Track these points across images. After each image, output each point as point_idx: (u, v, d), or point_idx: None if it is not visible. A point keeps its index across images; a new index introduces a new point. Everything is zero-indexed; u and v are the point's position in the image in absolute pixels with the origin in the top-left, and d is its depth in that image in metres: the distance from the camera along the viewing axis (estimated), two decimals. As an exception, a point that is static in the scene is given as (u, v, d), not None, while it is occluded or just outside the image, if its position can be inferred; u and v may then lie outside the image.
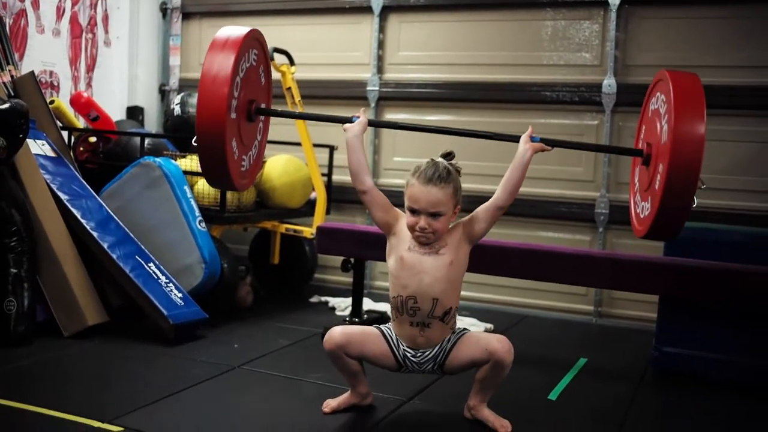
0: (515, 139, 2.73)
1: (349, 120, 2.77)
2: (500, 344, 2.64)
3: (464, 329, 2.77)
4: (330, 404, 2.82)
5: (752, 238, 3.59)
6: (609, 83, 4.65)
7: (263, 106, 2.90)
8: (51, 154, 4.09)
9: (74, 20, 5.14)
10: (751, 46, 4.39)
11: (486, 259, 3.49)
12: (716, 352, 3.43)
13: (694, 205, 2.50)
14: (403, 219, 2.68)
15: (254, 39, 2.80)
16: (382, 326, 2.79)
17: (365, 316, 4.11)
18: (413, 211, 2.59)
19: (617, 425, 2.88)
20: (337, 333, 2.72)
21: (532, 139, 2.74)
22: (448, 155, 2.68)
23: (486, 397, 2.76)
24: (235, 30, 2.71)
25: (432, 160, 2.64)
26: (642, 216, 2.78)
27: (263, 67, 2.96)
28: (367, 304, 4.36)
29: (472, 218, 2.70)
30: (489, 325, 4.28)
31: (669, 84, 2.55)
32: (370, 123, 2.84)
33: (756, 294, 3.23)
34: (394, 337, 2.74)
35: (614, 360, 3.86)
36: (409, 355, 2.72)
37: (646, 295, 4.20)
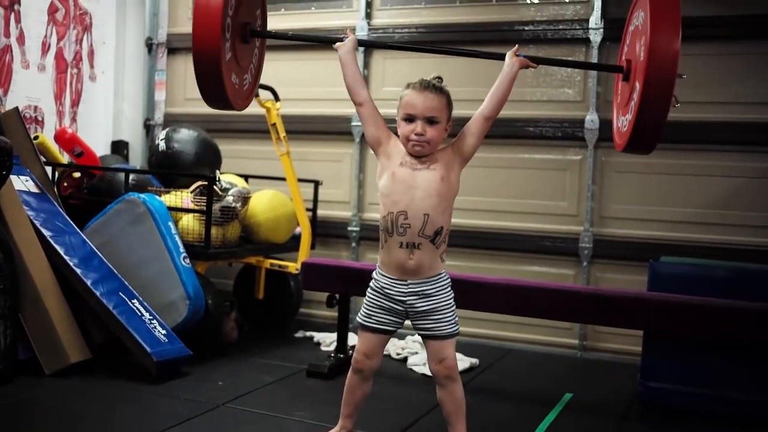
0: (501, 56, 2.76)
1: (340, 39, 2.82)
2: (446, 363, 2.68)
3: (450, 292, 2.72)
4: None
5: (737, 274, 3.62)
6: (591, 119, 4.70)
7: (258, 28, 2.98)
8: (35, 190, 4.08)
9: (60, 55, 5.16)
10: (737, 83, 4.46)
11: (470, 294, 3.50)
12: (701, 386, 3.44)
13: (677, 105, 2.60)
14: (395, 139, 2.71)
15: None
16: (370, 286, 2.76)
17: (350, 351, 4.08)
18: (409, 120, 2.64)
19: (603, 462, 2.87)
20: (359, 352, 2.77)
21: (518, 55, 2.76)
22: (437, 78, 2.72)
23: (459, 430, 2.72)
24: None
25: (422, 78, 2.70)
26: (623, 130, 2.82)
27: None
28: (353, 339, 4.33)
29: (461, 135, 2.74)
30: (474, 360, 4.27)
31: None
32: (360, 42, 2.89)
33: (740, 329, 3.24)
34: (380, 289, 2.71)
35: (600, 394, 3.86)
36: (393, 292, 2.68)
37: (631, 329, 4.21)
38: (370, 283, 2.76)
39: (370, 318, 2.73)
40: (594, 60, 4.66)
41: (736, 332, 3.26)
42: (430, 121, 2.62)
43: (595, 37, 4.68)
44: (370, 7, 5.27)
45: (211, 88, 2.76)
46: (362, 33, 5.23)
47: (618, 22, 4.26)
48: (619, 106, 2.93)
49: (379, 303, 2.72)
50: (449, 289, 2.72)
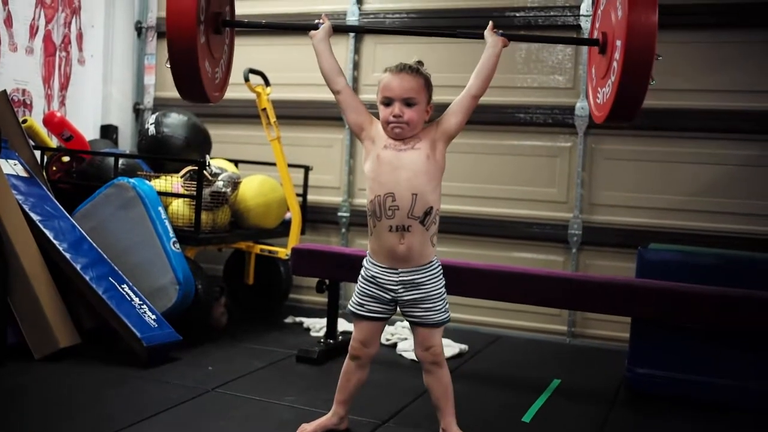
0: (479, 36, 2.78)
1: (315, 27, 2.80)
2: (433, 350, 2.71)
3: (441, 280, 2.73)
4: (306, 429, 2.81)
5: (725, 261, 3.64)
6: (582, 106, 4.71)
7: (228, 18, 2.96)
8: (23, 174, 4.06)
9: (48, 38, 5.12)
10: (724, 71, 4.47)
11: (459, 280, 3.50)
12: (689, 372, 3.47)
13: (653, 82, 2.58)
14: (377, 123, 2.71)
15: None
16: (360, 274, 2.77)
17: (340, 337, 4.10)
18: (387, 103, 2.64)
19: (591, 447, 2.90)
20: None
21: (497, 32, 2.78)
22: (418, 62, 2.72)
23: (447, 414, 2.74)
24: None
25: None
26: (601, 102, 2.82)
27: None
28: (342, 324, 4.35)
29: (446, 113, 2.73)
30: (463, 346, 4.28)
31: None
32: (335, 28, 2.87)
33: (728, 316, 3.27)
34: (372, 278, 2.72)
35: (588, 380, 3.88)
36: (384, 281, 2.69)
37: (619, 316, 4.24)
38: (361, 272, 2.77)
39: (362, 307, 2.74)
40: (584, 49, 4.67)
41: (723, 319, 3.29)
42: (408, 102, 2.62)
43: (586, 23, 4.68)
44: (361, -9, 5.26)
45: (186, 75, 2.71)
46: (353, 18, 5.21)
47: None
48: (596, 80, 2.92)
49: (369, 292, 2.72)
50: (440, 277, 2.73)
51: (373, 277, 2.71)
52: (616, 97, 2.61)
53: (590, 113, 3.02)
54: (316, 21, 2.82)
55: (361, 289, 2.76)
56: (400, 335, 4.42)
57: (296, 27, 3.03)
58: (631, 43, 2.51)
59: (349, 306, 2.79)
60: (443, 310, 2.71)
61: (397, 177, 2.61)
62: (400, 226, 2.61)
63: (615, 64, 2.64)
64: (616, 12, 2.69)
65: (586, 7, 4.69)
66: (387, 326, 4.42)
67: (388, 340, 4.36)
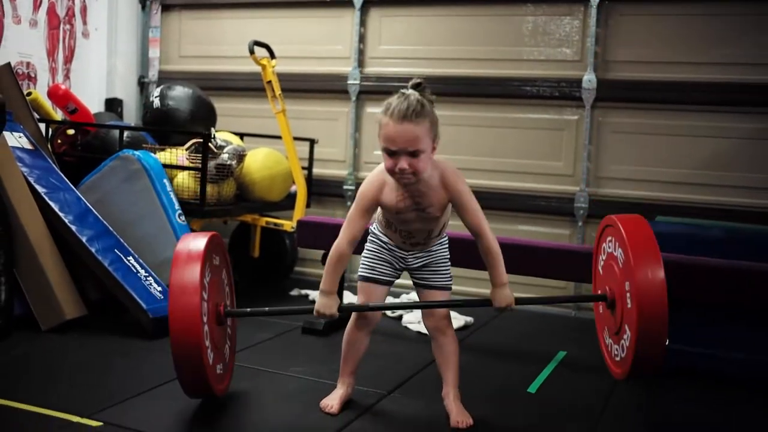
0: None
1: (311, 312, 2.68)
2: (437, 314, 2.74)
3: (447, 251, 2.79)
4: (331, 406, 2.78)
5: (731, 234, 3.63)
6: (589, 78, 4.67)
7: (230, 308, 2.90)
8: (28, 146, 4.05)
9: (52, 11, 5.09)
10: (729, 44, 4.43)
11: (466, 252, 3.49)
12: (693, 345, 3.47)
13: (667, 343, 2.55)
14: (380, 196, 2.57)
15: (215, 244, 2.81)
16: (368, 240, 2.80)
17: (345, 309, 4.10)
18: (390, 153, 2.42)
19: (596, 417, 2.90)
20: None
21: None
22: (418, 86, 2.46)
23: (451, 381, 2.76)
24: (195, 240, 2.69)
25: (402, 93, 2.44)
26: (619, 360, 2.73)
27: (225, 271, 2.95)
28: (348, 297, 4.35)
29: (461, 204, 2.59)
30: (469, 319, 4.29)
31: (621, 232, 2.63)
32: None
33: (735, 289, 3.26)
34: (383, 244, 2.77)
35: (593, 353, 3.86)
36: (394, 247, 2.76)
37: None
38: (369, 237, 2.79)
39: (374, 270, 2.78)
40: (592, 21, 4.63)
41: (730, 292, 3.28)
42: (413, 153, 2.41)
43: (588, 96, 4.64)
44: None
45: (193, 380, 2.58)
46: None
47: None
48: (609, 335, 2.84)
49: (380, 255, 2.78)
50: (447, 246, 2.81)
51: (384, 243, 2.77)
52: (634, 360, 2.54)
53: (608, 367, 2.89)
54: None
55: (370, 252, 2.79)
56: (405, 308, 4.42)
57: (296, 312, 2.95)
58: (643, 310, 2.47)
59: (360, 272, 2.81)
60: (448, 277, 2.79)
61: (412, 226, 2.66)
62: (414, 243, 2.73)
63: (627, 327, 2.59)
64: (618, 266, 2.68)
65: (588, 78, 4.66)
66: (393, 299, 4.44)
67: (393, 312, 4.37)
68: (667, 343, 2.55)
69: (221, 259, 2.90)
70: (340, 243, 2.60)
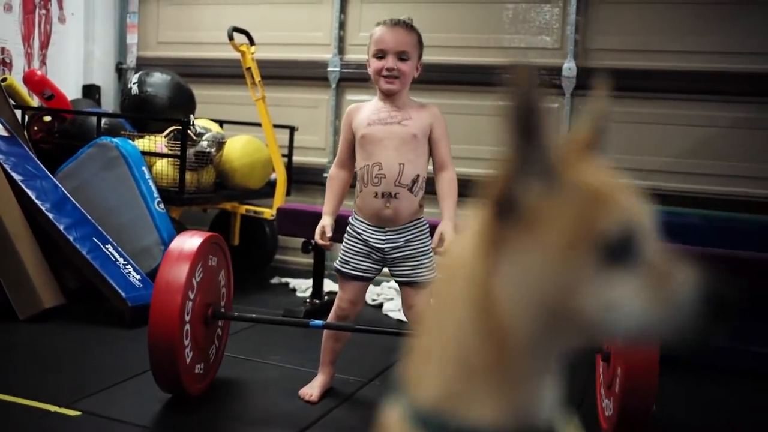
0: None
1: (305, 324, 2.75)
2: (415, 310, 2.69)
3: (428, 238, 2.70)
4: (311, 395, 2.78)
5: (708, 222, 3.65)
6: (569, 67, 4.68)
7: (222, 310, 2.87)
8: (4, 133, 4.00)
9: (27, -4, 5.02)
10: (710, 32, 4.45)
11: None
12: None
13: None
14: (355, 113, 2.71)
15: (213, 244, 2.79)
16: (346, 231, 2.76)
17: (326, 297, 4.11)
18: (380, 56, 2.60)
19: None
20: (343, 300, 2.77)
21: None
22: (408, 19, 2.70)
23: None
24: (191, 238, 2.67)
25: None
26: (607, 414, 2.69)
27: (224, 273, 2.92)
28: (328, 285, 4.35)
29: (440, 136, 2.67)
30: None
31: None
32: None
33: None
34: (358, 235, 2.71)
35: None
36: (370, 238, 2.68)
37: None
38: (347, 228, 2.76)
39: (349, 264, 2.73)
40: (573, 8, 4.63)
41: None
42: (401, 57, 2.59)
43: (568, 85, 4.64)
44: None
45: (164, 373, 2.59)
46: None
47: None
48: (603, 386, 2.79)
49: (356, 248, 2.71)
50: (428, 235, 2.71)
51: (359, 233, 2.70)
52: (619, 422, 2.51)
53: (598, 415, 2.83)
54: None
55: (347, 246, 2.74)
56: (386, 295, 4.43)
57: (289, 323, 2.94)
58: (630, 373, 2.44)
59: (335, 264, 2.78)
60: (431, 268, 2.70)
61: (383, 147, 2.61)
62: (387, 192, 2.62)
63: (617, 385, 2.54)
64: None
65: (568, 66, 4.65)
66: (373, 287, 4.44)
67: (374, 300, 4.38)
68: (654, 408, 2.51)
69: (220, 260, 2.88)
70: (330, 169, 2.82)
